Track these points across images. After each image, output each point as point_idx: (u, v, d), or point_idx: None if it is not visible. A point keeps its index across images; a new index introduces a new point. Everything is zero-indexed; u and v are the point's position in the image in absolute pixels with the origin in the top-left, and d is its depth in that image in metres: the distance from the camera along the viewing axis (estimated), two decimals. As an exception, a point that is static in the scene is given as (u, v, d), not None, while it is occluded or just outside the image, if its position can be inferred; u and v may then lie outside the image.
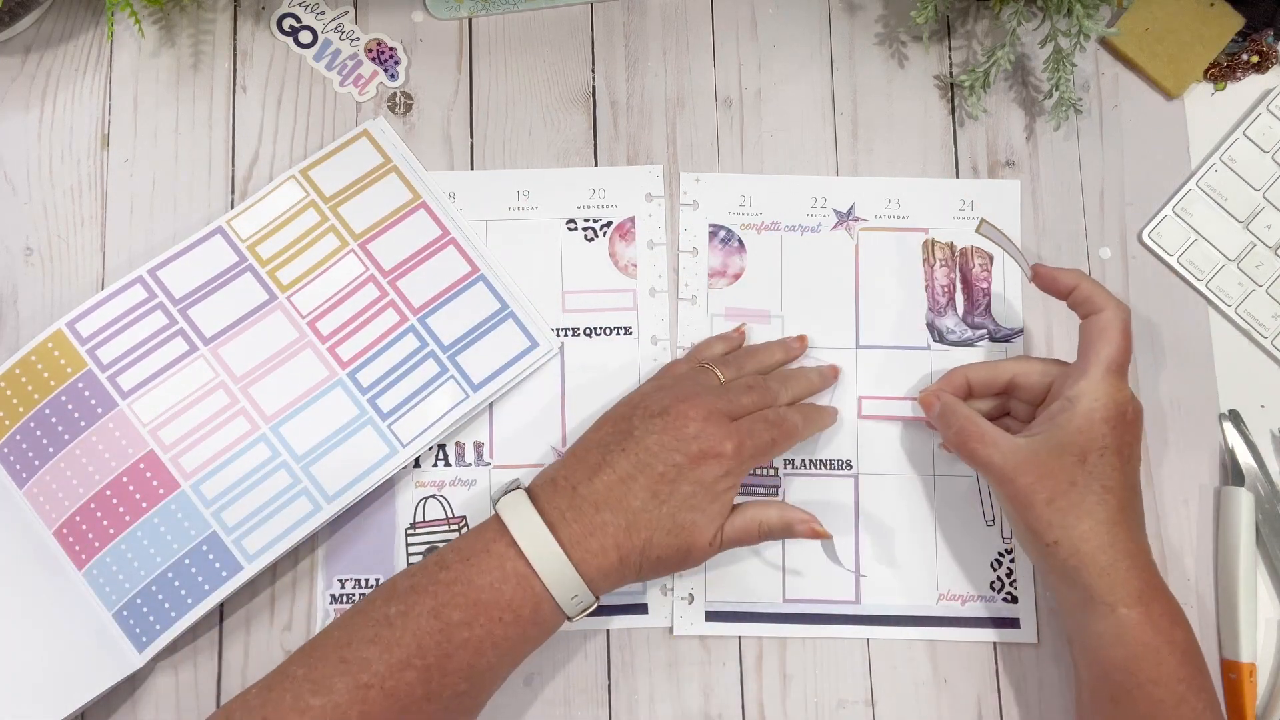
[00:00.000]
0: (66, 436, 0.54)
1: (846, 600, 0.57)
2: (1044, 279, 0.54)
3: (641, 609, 0.57)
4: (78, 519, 0.54)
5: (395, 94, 0.61)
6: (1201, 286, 0.61)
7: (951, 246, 0.61)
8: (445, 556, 0.48)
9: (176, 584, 0.53)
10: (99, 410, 0.55)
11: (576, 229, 0.60)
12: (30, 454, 0.54)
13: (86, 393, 0.55)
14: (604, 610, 0.56)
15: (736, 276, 0.60)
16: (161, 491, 0.54)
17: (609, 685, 0.56)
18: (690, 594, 0.57)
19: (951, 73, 0.63)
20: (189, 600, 0.53)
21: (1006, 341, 0.60)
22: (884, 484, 0.58)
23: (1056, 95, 0.60)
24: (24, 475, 0.54)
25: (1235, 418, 0.59)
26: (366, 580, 0.56)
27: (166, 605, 0.53)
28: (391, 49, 0.62)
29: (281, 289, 0.57)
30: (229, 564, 0.53)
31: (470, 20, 0.62)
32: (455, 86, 0.62)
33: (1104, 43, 0.63)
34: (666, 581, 0.57)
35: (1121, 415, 0.49)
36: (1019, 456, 0.50)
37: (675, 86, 0.62)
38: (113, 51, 0.61)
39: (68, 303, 0.57)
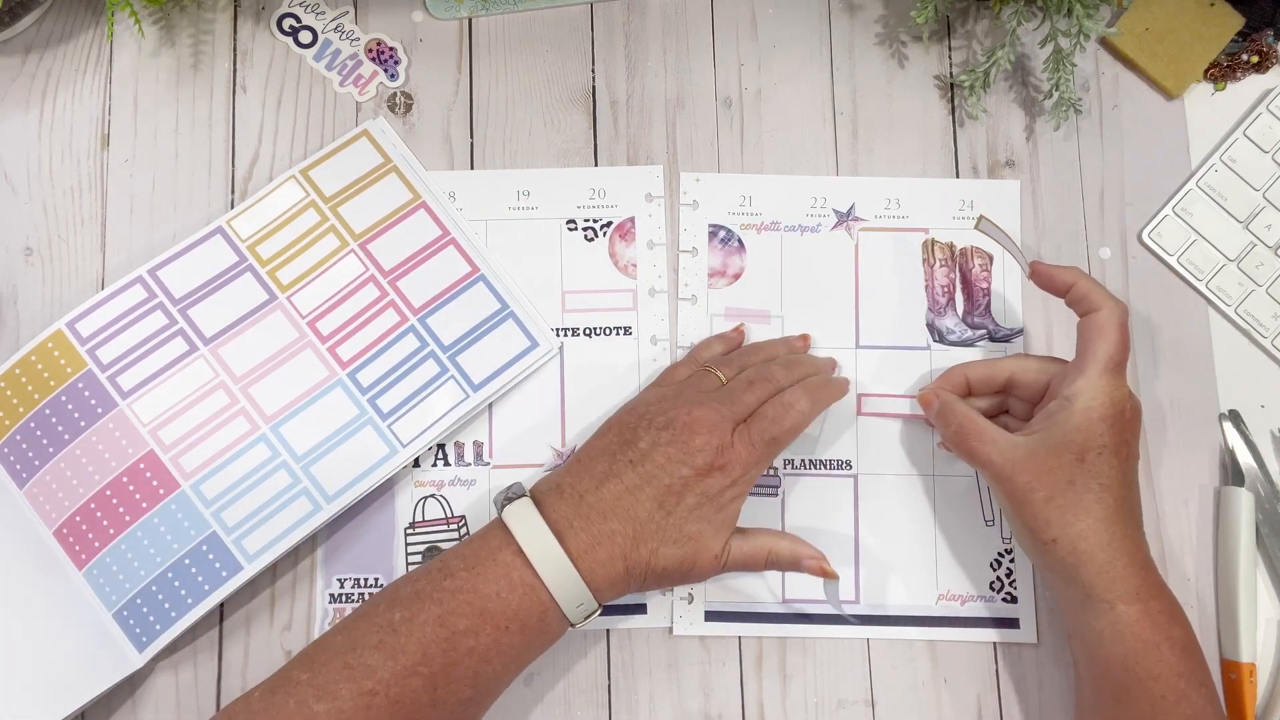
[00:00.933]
0: (66, 436, 0.54)
1: (846, 600, 0.57)
2: (1042, 276, 0.54)
3: (641, 609, 0.57)
4: (78, 519, 0.54)
5: (395, 94, 0.61)
6: (1201, 286, 0.61)
7: (951, 246, 0.61)
8: (449, 563, 0.48)
9: (176, 584, 0.53)
10: (99, 410, 0.55)
11: (576, 229, 0.60)
12: (30, 454, 0.54)
13: (86, 393, 0.55)
14: (604, 611, 0.56)
15: (736, 276, 0.60)
16: (161, 491, 0.54)
17: (609, 685, 0.56)
18: (690, 594, 0.57)
19: (951, 73, 0.63)
20: (189, 600, 0.53)
21: (1006, 341, 0.60)
22: (883, 484, 0.58)
23: (1056, 95, 0.60)
24: (24, 475, 0.54)
25: (1235, 418, 0.59)
26: (366, 580, 0.56)
27: (166, 605, 0.53)
28: (391, 49, 0.62)
29: (281, 289, 0.57)
30: (229, 564, 0.53)
31: (470, 20, 0.62)
32: (455, 86, 0.62)
33: (1104, 43, 0.63)
34: (666, 581, 0.57)
35: (1119, 413, 0.49)
36: (1017, 454, 0.50)
37: (675, 86, 0.62)
38: (113, 51, 0.61)
39: (68, 303, 0.57)
